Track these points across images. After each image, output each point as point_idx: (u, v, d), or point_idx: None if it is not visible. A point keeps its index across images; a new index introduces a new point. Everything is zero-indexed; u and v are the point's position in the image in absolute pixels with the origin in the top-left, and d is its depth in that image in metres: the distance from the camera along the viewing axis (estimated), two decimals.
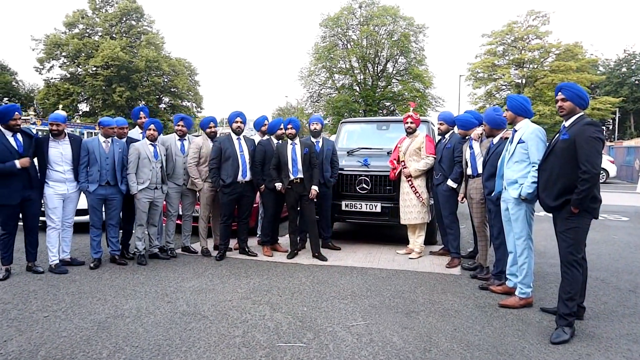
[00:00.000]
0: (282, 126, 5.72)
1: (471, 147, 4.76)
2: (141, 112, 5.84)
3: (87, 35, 36.65)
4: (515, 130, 3.80)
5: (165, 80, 38.25)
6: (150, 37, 37.16)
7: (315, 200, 5.52)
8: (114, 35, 36.65)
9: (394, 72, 34.04)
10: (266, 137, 5.86)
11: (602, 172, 17.65)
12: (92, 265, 4.94)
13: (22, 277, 4.59)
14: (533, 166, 3.55)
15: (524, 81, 34.18)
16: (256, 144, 5.63)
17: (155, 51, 36.60)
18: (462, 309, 3.78)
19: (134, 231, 5.37)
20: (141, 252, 5.21)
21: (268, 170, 5.45)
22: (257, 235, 6.27)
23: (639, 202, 12.18)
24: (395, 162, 5.58)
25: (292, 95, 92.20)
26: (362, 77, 33.67)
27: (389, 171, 5.67)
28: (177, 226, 5.81)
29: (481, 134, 4.66)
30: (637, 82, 41.93)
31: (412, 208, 5.45)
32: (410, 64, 32.91)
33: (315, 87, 34.80)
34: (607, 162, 18.67)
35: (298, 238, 5.74)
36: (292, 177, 5.37)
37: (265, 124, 6.03)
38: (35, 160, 4.66)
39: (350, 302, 3.93)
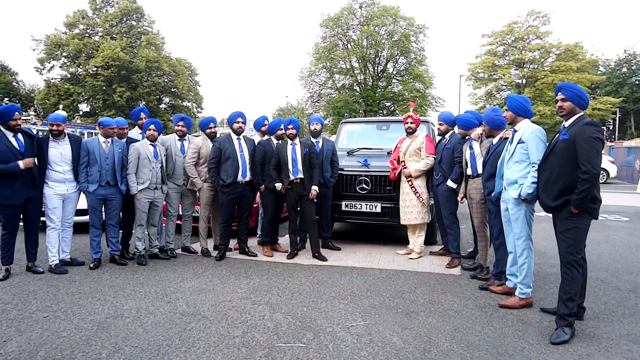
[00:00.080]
0: (282, 126, 5.72)
1: (471, 148, 4.76)
2: (141, 113, 5.84)
3: (87, 35, 36.70)
4: (515, 131, 3.79)
5: (166, 80, 38.30)
6: (151, 37, 37.20)
7: (315, 200, 5.52)
8: (114, 36, 36.69)
9: (394, 72, 34.05)
10: (266, 137, 5.86)
11: (602, 172, 17.77)
12: (92, 265, 4.94)
13: (22, 277, 4.59)
14: (533, 166, 3.54)
15: (524, 81, 34.19)
16: (256, 144, 5.63)
17: (156, 51, 36.65)
18: (462, 309, 3.78)
19: (133, 231, 5.37)
20: (141, 252, 5.21)
21: (268, 170, 5.45)
22: (257, 236, 6.26)
23: (639, 202, 12.17)
24: (395, 162, 5.58)
25: (292, 96, 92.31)
26: (362, 77, 33.68)
27: (389, 171, 5.66)
28: (177, 226, 5.81)
29: (481, 134, 4.65)
30: (637, 82, 41.92)
31: (412, 208, 5.45)
32: (410, 64, 32.92)
33: (315, 87, 34.85)
34: (607, 163, 18.66)
35: (298, 238, 5.73)
36: (292, 177, 5.37)
37: (265, 124, 6.03)
38: (36, 160, 4.66)
39: (350, 302, 3.92)
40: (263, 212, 5.87)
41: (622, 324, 3.49)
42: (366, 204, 5.85)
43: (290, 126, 5.39)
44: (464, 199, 4.96)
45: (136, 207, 5.14)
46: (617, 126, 41.78)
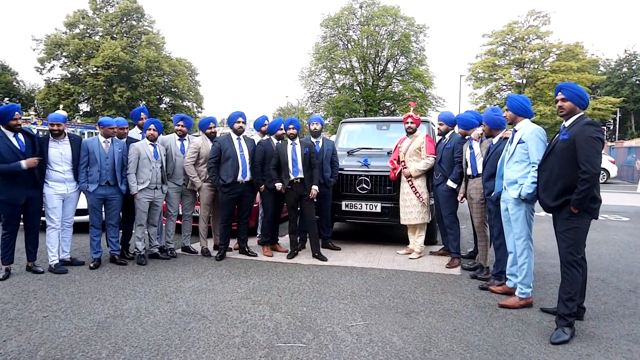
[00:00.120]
0: (282, 126, 5.72)
1: (471, 147, 4.75)
2: (141, 113, 5.84)
3: (87, 35, 36.71)
4: (515, 130, 3.79)
5: (166, 80, 38.30)
6: (151, 37, 37.21)
7: (315, 200, 5.52)
8: (114, 36, 36.70)
9: (395, 72, 34.04)
10: (266, 137, 5.86)
11: (602, 172, 17.76)
12: (91, 265, 4.94)
13: (21, 277, 4.59)
14: (533, 166, 3.54)
15: (524, 81, 34.19)
16: (256, 144, 5.63)
17: (156, 51, 36.66)
18: (462, 309, 3.78)
19: (133, 231, 5.37)
20: (141, 252, 5.21)
21: (268, 170, 5.45)
22: (257, 236, 6.26)
23: (639, 202, 12.17)
24: (395, 162, 5.58)
25: (292, 96, 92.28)
26: (362, 77, 33.68)
27: (389, 171, 5.66)
28: (177, 226, 5.81)
29: (481, 134, 4.65)
30: (637, 82, 41.90)
31: (412, 208, 5.44)
32: (410, 64, 32.91)
33: (315, 87, 34.84)
34: (607, 163, 18.65)
35: (298, 238, 5.73)
36: (292, 177, 5.37)
37: (265, 124, 6.03)
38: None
39: (350, 302, 3.92)
40: (263, 212, 5.87)
41: (622, 324, 3.48)
42: (366, 204, 5.84)
43: (291, 126, 5.38)
44: (464, 198, 4.96)
45: (136, 207, 5.14)
46: (617, 126, 41.78)
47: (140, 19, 38.43)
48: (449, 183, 5.07)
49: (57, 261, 4.80)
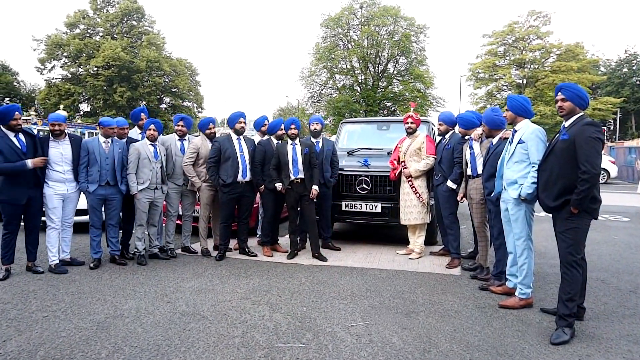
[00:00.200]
0: (282, 126, 5.72)
1: (471, 148, 4.75)
2: (142, 114, 5.85)
3: (88, 35, 36.74)
4: (515, 131, 3.79)
5: (166, 80, 38.32)
6: (151, 37, 37.23)
7: (315, 200, 5.52)
8: (115, 36, 36.71)
9: (395, 72, 34.04)
10: (266, 137, 5.86)
11: (603, 172, 17.75)
12: (91, 265, 4.94)
13: (21, 277, 4.59)
14: (533, 166, 3.54)
15: (524, 81, 34.19)
16: (256, 144, 5.62)
17: (156, 51, 36.67)
18: (462, 309, 3.78)
19: (133, 231, 5.37)
20: (141, 252, 5.21)
21: (268, 170, 5.45)
22: (257, 236, 6.26)
23: None
24: (395, 162, 5.57)
25: (292, 96, 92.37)
26: (362, 77, 33.68)
27: (389, 171, 5.66)
28: (177, 226, 5.81)
29: (481, 134, 4.65)
30: (638, 82, 41.89)
31: (412, 208, 5.44)
32: (411, 64, 32.90)
33: (316, 88, 34.83)
34: (608, 163, 18.64)
35: (298, 238, 5.73)
36: (292, 177, 5.37)
37: (266, 124, 6.03)
38: None
39: (349, 302, 3.92)
40: (263, 212, 5.87)
41: (622, 325, 3.48)
42: (366, 204, 5.84)
43: (292, 126, 5.38)
44: (464, 198, 4.96)
45: (136, 207, 5.14)
46: (617, 126, 41.77)
47: (140, 19, 38.45)
48: (449, 183, 5.07)
49: (57, 261, 4.80)
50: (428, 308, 3.80)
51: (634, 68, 42.30)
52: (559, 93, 3.29)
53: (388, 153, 6.07)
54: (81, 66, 35.54)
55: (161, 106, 39.21)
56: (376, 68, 33.98)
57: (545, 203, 3.33)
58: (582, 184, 3.02)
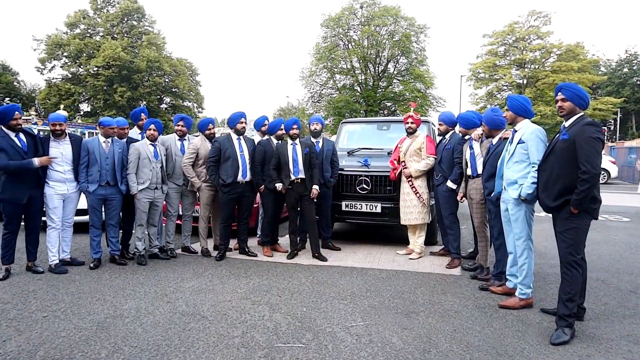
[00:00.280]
0: (282, 126, 5.72)
1: (471, 148, 4.75)
2: (142, 114, 5.85)
3: (88, 35, 36.74)
4: (515, 131, 3.79)
5: (167, 80, 38.32)
6: (152, 37, 37.22)
7: (315, 200, 5.52)
8: (115, 36, 36.71)
9: (395, 72, 34.04)
10: (266, 137, 5.85)
11: (603, 172, 17.74)
12: (91, 265, 4.94)
13: (21, 277, 4.59)
14: (533, 166, 3.53)
15: (525, 81, 34.17)
16: (256, 144, 5.62)
17: (157, 51, 36.67)
18: (462, 309, 3.77)
19: (133, 231, 5.37)
20: (141, 252, 5.20)
21: (268, 170, 5.45)
22: (257, 236, 6.26)
23: None
24: (395, 162, 5.57)
25: (293, 96, 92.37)
26: (363, 77, 33.68)
27: (389, 171, 5.66)
28: (177, 226, 5.81)
29: (481, 134, 4.65)
30: (638, 82, 41.89)
31: (413, 208, 5.44)
32: (411, 64, 32.90)
33: (316, 88, 34.84)
34: (608, 163, 18.63)
35: (298, 238, 5.73)
36: (293, 177, 5.36)
37: (266, 124, 6.03)
38: None
39: (349, 302, 3.92)
40: (263, 212, 5.87)
41: (622, 325, 3.48)
42: (366, 204, 5.84)
43: (294, 126, 5.38)
44: (464, 198, 4.95)
45: (136, 207, 5.14)
46: (618, 126, 41.76)
47: (141, 19, 38.45)
48: (449, 184, 5.07)
49: (57, 261, 4.80)
50: (428, 308, 3.80)
51: (634, 68, 42.29)
52: (559, 93, 3.29)
53: (388, 153, 6.07)
54: (81, 66, 35.55)
55: (161, 106, 39.22)
56: (376, 68, 33.98)
57: (545, 203, 3.32)
58: (582, 184, 3.02)
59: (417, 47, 33.22)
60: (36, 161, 4.46)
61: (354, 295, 4.11)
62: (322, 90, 34.92)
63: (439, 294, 4.19)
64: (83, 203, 5.12)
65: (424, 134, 5.63)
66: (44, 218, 4.82)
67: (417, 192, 5.40)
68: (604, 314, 3.70)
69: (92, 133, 22.74)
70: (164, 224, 5.67)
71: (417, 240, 5.58)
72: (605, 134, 38.84)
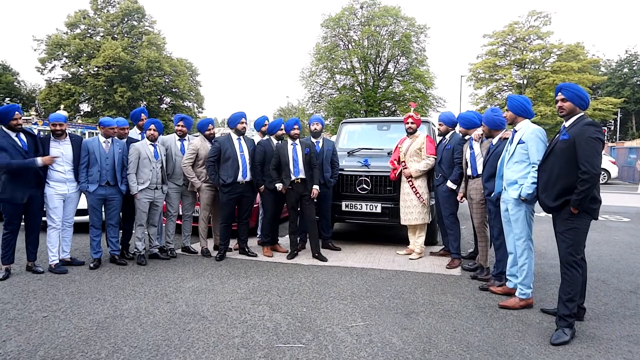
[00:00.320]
0: (282, 126, 5.72)
1: (471, 148, 4.75)
2: (142, 114, 5.85)
3: (88, 35, 36.74)
4: (515, 131, 3.78)
5: (167, 80, 38.33)
6: (152, 37, 37.23)
7: (315, 200, 5.51)
8: (115, 36, 36.72)
9: (395, 72, 34.04)
10: (266, 137, 5.85)
11: (603, 173, 17.73)
12: (91, 265, 4.94)
13: (21, 277, 4.59)
14: (533, 166, 3.53)
15: (525, 82, 34.15)
16: (256, 144, 5.62)
17: (157, 51, 36.68)
18: (462, 309, 3.77)
19: (134, 231, 5.37)
20: (141, 252, 5.21)
21: (268, 170, 5.44)
22: (257, 236, 6.26)
23: None
24: (395, 162, 5.57)
25: (293, 96, 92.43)
26: (363, 77, 33.67)
27: (389, 172, 5.66)
28: (177, 226, 5.81)
29: (481, 134, 4.64)
30: (638, 82, 41.89)
31: (413, 209, 5.44)
32: (411, 65, 32.90)
33: (316, 88, 34.83)
34: (608, 163, 18.63)
35: (298, 238, 5.73)
36: (293, 177, 5.36)
37: (266, 124, 6.03)
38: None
39: (349, 302, 3.92)
40: (263, 212, 5.86)
41: (622, 325, 3.48)
42: (366, 204, 5.84)
43: (295, 127, 5.38)
44: (464, 198, 4.95)
45: (136, 207, 5.14)
46: (618, 127, 41.74)
47: (141, 19, 38.45)
48: (449, 184, 5.07)
49: (57, 261, 4.80)
50: (428, 308, 3.79)
51: (634, 68, 42.28)
52: (559, 93, 3.29)
53: (388, 153, 6.07)
54: (82, 66, 35.55)
55: (161, 106, 39.22)
56: (376, 68, 33.98)
57: (545, 203, 3.32)
58: (582, 184, 3.02)
59: (417, 47, 33.25)
60: (39, 160, 4.48)
61: (354, 296, 4.11)
62: (322, 90, 34.92)
63: (439, 294, 4.18)
64: (83, 203, 5.12)
65: (424, 134, 5.63)
66: (44, 218, 4.82)
67: (417, 192, 5.40)
68: (604, 314, 3.70)
69: (92, 133, 22.74)
70: (164, 224, 5.67)
71: (417, 241, 5.58)
72: (606, 134, 38.86)
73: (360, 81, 33.70)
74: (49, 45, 34.98)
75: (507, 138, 3.96)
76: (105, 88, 35.22)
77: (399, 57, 33.36)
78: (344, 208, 5.95)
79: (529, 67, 34.63)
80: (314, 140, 5.85)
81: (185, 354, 2.91)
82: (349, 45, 33.52)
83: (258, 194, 5.67)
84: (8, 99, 37.99)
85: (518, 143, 3.67)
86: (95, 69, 34.97)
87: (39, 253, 4.84)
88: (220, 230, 5.46)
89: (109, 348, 2.98)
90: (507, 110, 3.90)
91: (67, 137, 4.87)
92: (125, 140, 5.23)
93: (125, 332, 3.24)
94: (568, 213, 3.14)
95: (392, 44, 32.18)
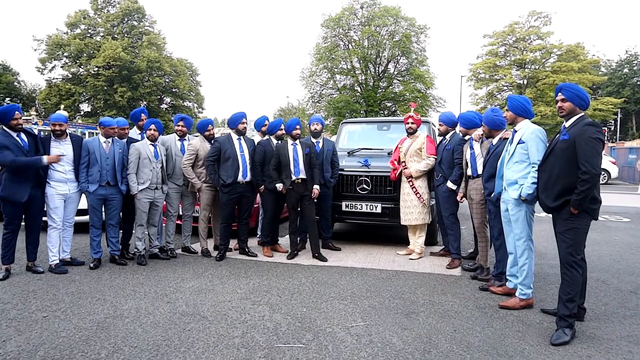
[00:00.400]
0: (282, 127, 5.72)
1: (472, 148, 4.74)
2: (142, 114, 5.85)
3: (88, 35, 36.75)
4: (515, 131, 3.78)
5: (167, 80, 38.33)
6: (152, 37, 37.23)
7: (315, 200, 5.51)
8: (115, 36, 36.73)
9: (395, 72, 34.04)
10: (266, 137, 5.85)
11: (603, 173, 17.73)
12: (91, 265, 4.94)
13: (21, 277, 4.59)
14: (533, 167, 3.53)
15: (525, 82, 34.14)
16: (255, 144, 5.62)
17: (157, 51, 36.69)
18: (462, 310, 3.77)
19: (134, 231, 5.37)
20: (141, 252, 5.20)
21: (268, 170, 5.44)
22: (257, 236, 6.26)
23: None
24: (396, 162, 5.57)
25: (293, 96, 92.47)
26: (363, 77, 33.67)
27: (389, 172, 5.66)
28: (177, 226, 5.81)
29: (482, 134, 4.64)
30: (638, 82, 41.88)
31: (413, 209, 5.44)
32: (411, 65, 32.90)
33: (316, 88, 34.83)
34: (608, 163, 18.62)
35: (298, 238, 5.73)
36: (294, 177, 5.36)
37: (266, 124, 6.02)
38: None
39: (350, 302, 3.92)
40: (263, 212, 5.86)
41: (622, 325, 3.48)
42: (366, 205, 5.84)
43: (297, 127, 5.39)
44: (464, 198, 4.95)
45: (136, 207, 5.14)
46: (618, 127, 41.74)
47: (141, 19, 38.46)
48: (449, 184, 5.07)
49: (58, 261, 4.80)
50: (428, 308, 3.79)
51: (634, 68, 42.29)
52: (559, 93, 3.29)
53: (388, 153, 6.07)
54: (82, 66, 35.56)
55: (161, 106, 39.23)
56: (377, 68, 33.98)
57: (545, 203, 3.32)
58: (582, 185, 3.02)
59: (418, 47, 33.25)
60: (45, 159, 4.51)
61: (354, 296, 4.11)
62: (322, 90, 34.92)
63: (439, 294, 4.18)
64: (83, 203, 5.12)
65: (424, 134, 5.62)
66: (44, 218, 4.82)
67: (418, 193, 5.40)
68: (604, 315, 3.70)
69: (93, 133, 22.75)
70: (164, 224, 5.67)
71: (417, 241, 5.58)
72: (606, 134, 38.84)
73: (360, 81, 33.70)
74: (49, 45, 34.99)
75: (507, 138, 3.96)
76: (105, 88, 35.22)
77: (399, 57, 33.36)
78: (344, 208, 5.95)
79: (529, 67, 34.62)
80: (314, 140, 5.85)
81: (185, 354, 2.91)
82: (349, 45, 33.53)
83: (258, 194, 5.67)
84: (8, 99, 38.00)
85: (518, 143, 3.67)
86: (96, 69, 34.98)
87: (39, 253, 4.84)
88: (220, 230, 5.46)
89: (109, 348, 2.98)
90: (507, 110, 3.90)
91: (68, 137, 4.87)
92: (125, 140, 5.23)
93: (125, 332, 3.24)
94: (568, 213, 3.14)
95: (392, 44, 32.18)
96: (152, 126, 5.15)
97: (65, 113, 5.60)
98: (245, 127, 5.51)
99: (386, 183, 5.79)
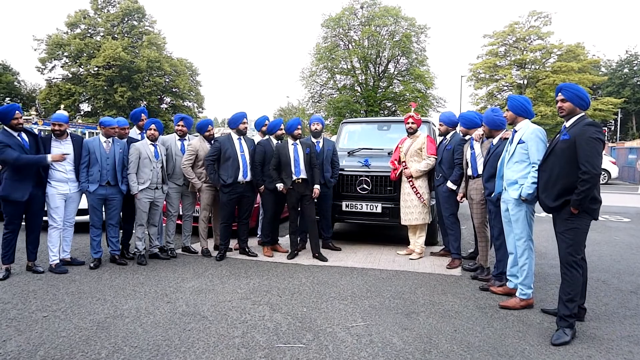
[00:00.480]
0: (282, 126, 5.72)
1: (472, 148, 4.74)
2: (142, 114, 5.85)
3: (88, 35, 36.76)
4: (515, 131, 3.78)
5: (167, 80, 38.34)
6: (152, 37, 37.24)
7: (315, 200, 5.51)
8: (115, 36, 36.73)
9: (396, 72, 34.03)
10: (266, 137, 5.85)
11: (603, 173, 17.73)
12: (92, 265, 4.94)
13: (21, 276, 4.59)
14: (533, 166, 3.53)
15: (525, 82, 34.14)
16: (255, 144, 5.62)
17: (157, 51, 36.70)
18: (463, 310, 3.77)
19: (134, 231, 5.37)
20: (141, 252, 5.20)
21: (268, 170, 5.44)
22: (258, 236, 6.26)
23: None
24: (396, 162, 5.57)
25: (293, 96, 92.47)
26: (363, 77, 33.67)
27: (389, 172, 5.66)
28: (177, 226, 5.81)
29: (482, 134, 4.64)
30: (639, 82, 41.88)
31: (413, 209, 5.44)
32: (411, 65, 32.90)
33: (316, 88, 34.82)
34: (608, 163, 18.62)
35: (298, 238, 5.73)
36: (294, 177, 5.36)
37: (266, 124, 6.02)
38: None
39: (350, 302, 3.92)
40: (263, 212, 5.86)
41: (623, 325, 3.47)
42: (367, 204, 5.84)
43: (299, 127, 5.38)
44: (464, 198, 4.95)
45: (137, 207, 5.14)
46: (618, 127, 41.75)
47: (141, 19, 38.46)
48: (449, 184, 5.07)
49: (58, 261, 4.80)
50: (428, 308, 3.79)
51: (634, 68, 42.30)
52: (559, 93, 3.29)
53: (389, 153, 6.07)
54: (82, 66, 35.57)
55: (162, 106, 39.24)
56: (377, 68, 33.98)
57: (545, 203, 3.32)
58: (582, 185, 3.02)
59: (418, 47, 33.24)
60: (49, 157, 4.52)
61: (354, 296, 4.11)
62: (322, 90, 34.92)
63: (440, 294, 4.18)
64: (83, 203, 5.12)
65: (424, 134, 5.62)
66: (45, 218, 4.82)
67: (418, 193, 5.40)
68: (604, 315, 3.70)
69: (93, 133, 22.77)
70: (164, 224, 5.67)
71: (417, 241, 5.58)
72: (606, 134, 38.85)
73: (360, 81, 33.70)
74: (49, 45, 35.00)
75: (508, 138, 3.96)
76: (105, 88, 35.23)
77: (399, 57, 33.35)
78: (344, 208, 5.95)
79: (529, 67, 34.63)
80: (314, 140, 5.85)
81: (185, 354, 2.91)
82: (349, 45, 33.52)
83: (258, 194, 5.66)
84: (8, 98, 38.01)
85: (518, 143, 3.67)
86: (96, 68, 34.99)
87: (39, 253, 4.84)
88: (221, 230, 5.46)
89: (109, 348, 2.98)
90: (507, 110, 3.90)
91: (68, 136, 4.87)
92: (125, 140, 5.23)
93: (125, 332, 3.24)
94: (568, 213, 3.14)
95: (393, 44, 32.18)
96: (152, 126, 5.15)
97: (65, 113, 5.59)
98: (246, 127, 5.51)
99: (386, 183, 5.79)
